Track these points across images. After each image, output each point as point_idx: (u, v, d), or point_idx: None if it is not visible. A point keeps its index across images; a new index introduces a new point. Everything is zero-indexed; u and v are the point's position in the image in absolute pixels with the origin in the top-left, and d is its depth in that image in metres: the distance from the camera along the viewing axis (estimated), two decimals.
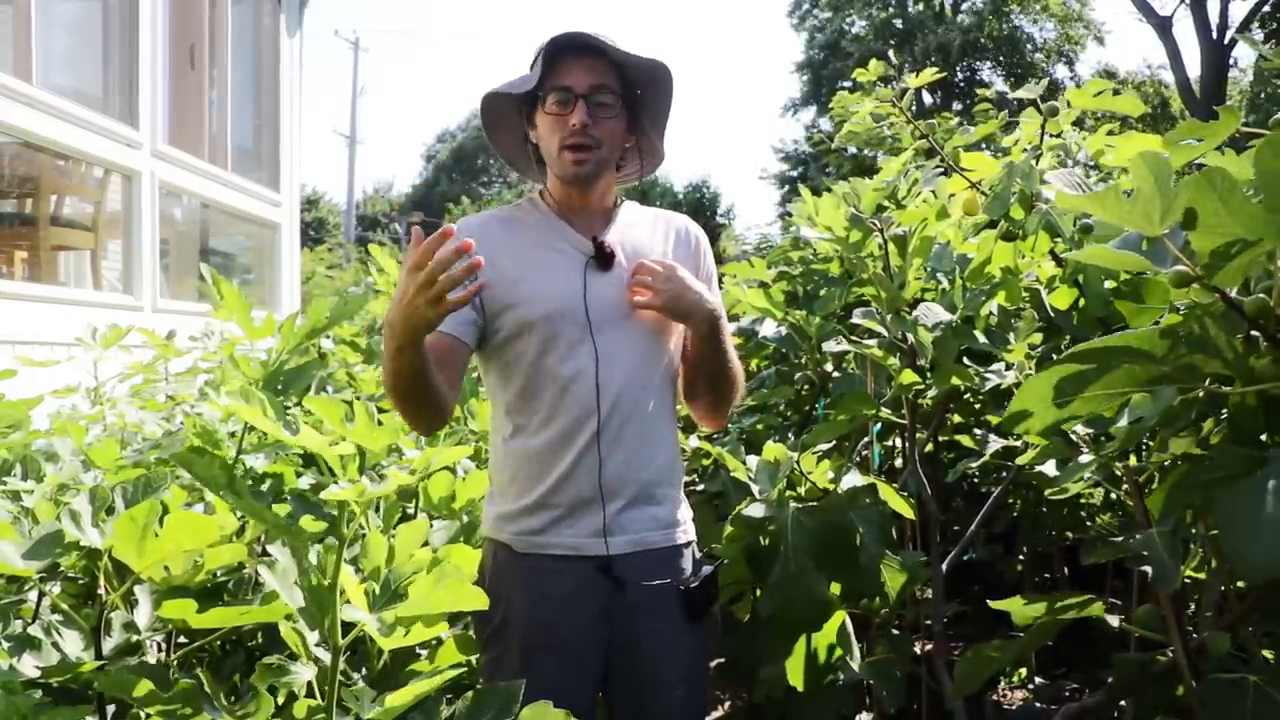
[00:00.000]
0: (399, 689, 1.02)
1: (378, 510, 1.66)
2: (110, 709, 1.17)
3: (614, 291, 1.61)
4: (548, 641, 1.54)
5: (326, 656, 1.10)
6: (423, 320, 1.34)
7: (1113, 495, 2.14)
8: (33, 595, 1.39)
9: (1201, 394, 1.10)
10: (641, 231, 1.70)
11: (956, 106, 24.22)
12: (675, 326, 1.65)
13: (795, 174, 28.58)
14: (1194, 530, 1.42)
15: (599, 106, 1.57)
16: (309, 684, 1.09)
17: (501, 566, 1.59)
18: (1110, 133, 2.09)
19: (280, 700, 1.10)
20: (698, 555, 1.71)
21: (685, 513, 1.70)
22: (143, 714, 1.06)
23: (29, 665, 1.13)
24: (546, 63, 1.58)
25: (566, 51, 1.58)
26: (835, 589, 1.85)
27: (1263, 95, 20.84)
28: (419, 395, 1.47)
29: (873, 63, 2.63)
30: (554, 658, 1.54)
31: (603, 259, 1.61)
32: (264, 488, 1.72)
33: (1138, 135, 1.89)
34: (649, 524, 1.61)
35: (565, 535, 1.57)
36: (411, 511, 1.90)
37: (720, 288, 3.07)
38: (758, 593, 1.92)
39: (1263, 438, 1.11)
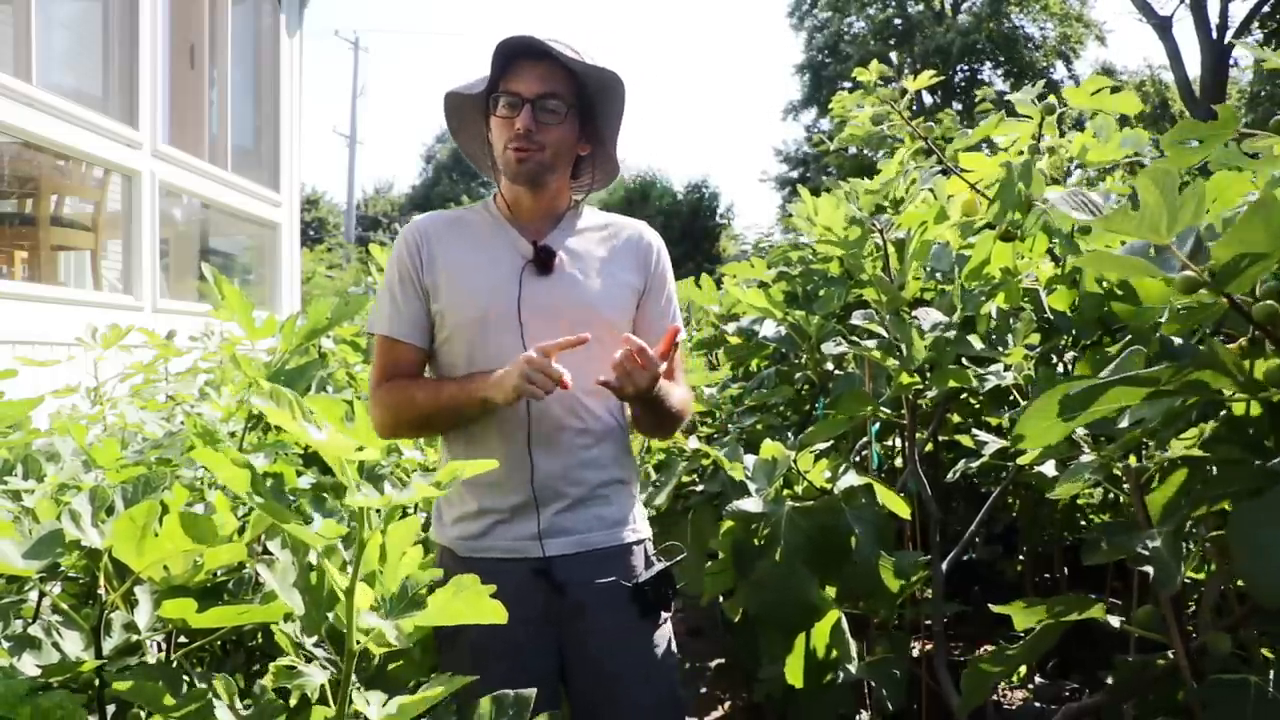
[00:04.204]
0: (395, 687, 1.01)
1: (379, 512, 1.66)
2: (110, 709, 1.17)
3: (551, 295, 1.60)
4: (495, 644, 1.49)
5: (325, 655, 1.10)
6: (530, 396, 1.47)
7: (1112, 495, 2.14)
8: (33, 595, 1.38)
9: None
10: (589, 238, 1.68)
11: (956, 106, 24.20)
12: (616, 331, 1.58)
13: (795, 175, 28.57)
14: (1194, 531, 1.42)
15: (546, 112, 1.57)
16: (321, 687, 1.09)
17: (448, 571, 1.58)
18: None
19: (292, 702, 1.10)
20: (651, 552, 1.69)
21: (638, 510, 1.69)
22: (143, 714, 1.06)
23: (29, 665, 1.13)
24: (501, 66, 1.58)
25: (521, 56, 1.57)
26: (831, 590, 1.85)
27: (1263, 94, 20.85)
28: (436, 429, 1.67)
29: (873, 64, 2.63)
30: (503, 661, 1.51)
31: (541, 263, 1.60)
32: None
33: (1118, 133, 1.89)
34: (592, 524, 1.61)
35: (502, 539, 1.58)
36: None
37: (719, 288, 3.05)
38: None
39: (1267, 443, 1.10)
